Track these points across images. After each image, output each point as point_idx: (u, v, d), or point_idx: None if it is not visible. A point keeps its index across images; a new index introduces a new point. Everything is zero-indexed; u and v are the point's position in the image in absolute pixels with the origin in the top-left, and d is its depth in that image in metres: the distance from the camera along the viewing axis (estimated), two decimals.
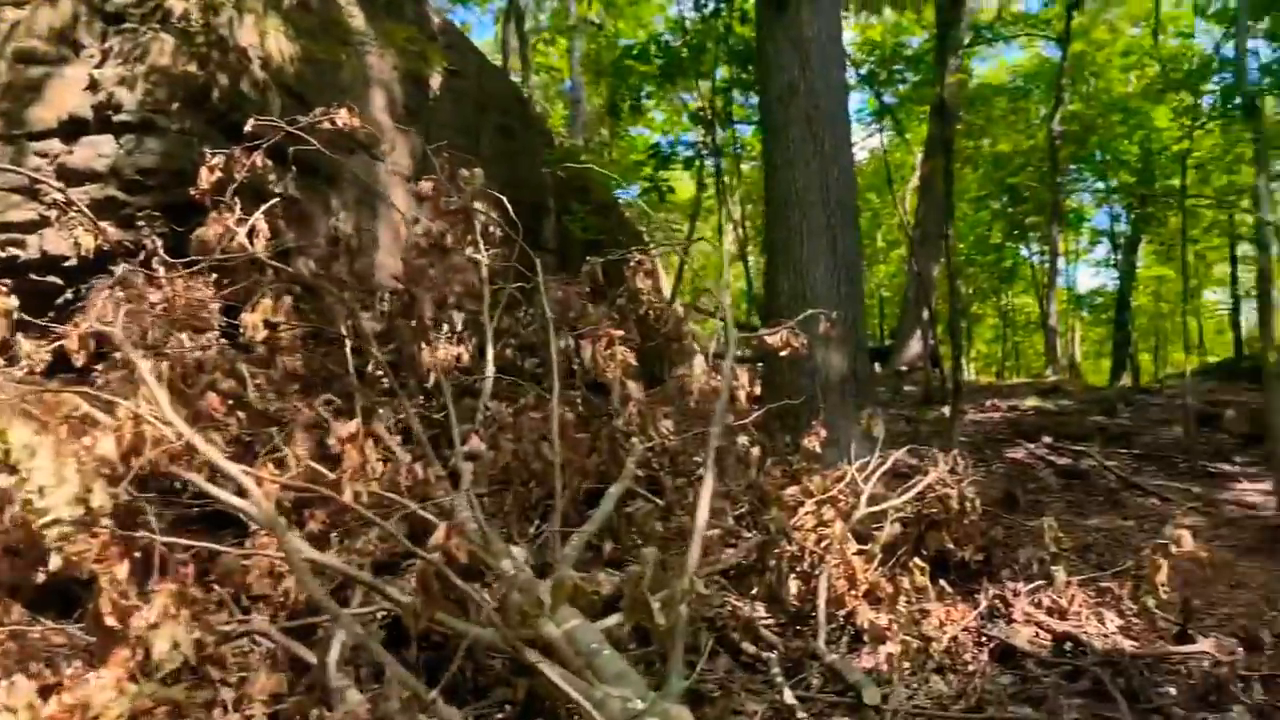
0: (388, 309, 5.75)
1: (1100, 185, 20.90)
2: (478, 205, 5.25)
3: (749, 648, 4.00)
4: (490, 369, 4.89)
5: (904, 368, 15.52)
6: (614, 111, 11.64)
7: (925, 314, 13.59)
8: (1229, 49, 14.88)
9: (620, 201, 12.08)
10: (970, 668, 4.03)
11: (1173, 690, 3.83)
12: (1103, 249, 24.16)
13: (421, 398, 5.32)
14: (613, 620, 3.01)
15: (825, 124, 6.71)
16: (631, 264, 4.91)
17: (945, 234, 9.98)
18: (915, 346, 15.48)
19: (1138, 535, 6.77)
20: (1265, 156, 7.00)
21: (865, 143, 23.30)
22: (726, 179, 14.64)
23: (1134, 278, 22.26)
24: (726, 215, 13.22)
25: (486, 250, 5.30)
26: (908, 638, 4.03)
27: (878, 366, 16.84)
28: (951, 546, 4.90)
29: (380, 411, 4.62)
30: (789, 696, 3.50)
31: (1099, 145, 17.89)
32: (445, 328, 5.68)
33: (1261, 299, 7.66)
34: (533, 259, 5.05)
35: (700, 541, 3.14)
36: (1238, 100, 13.14)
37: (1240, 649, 3.91)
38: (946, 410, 10.70)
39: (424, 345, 4.72)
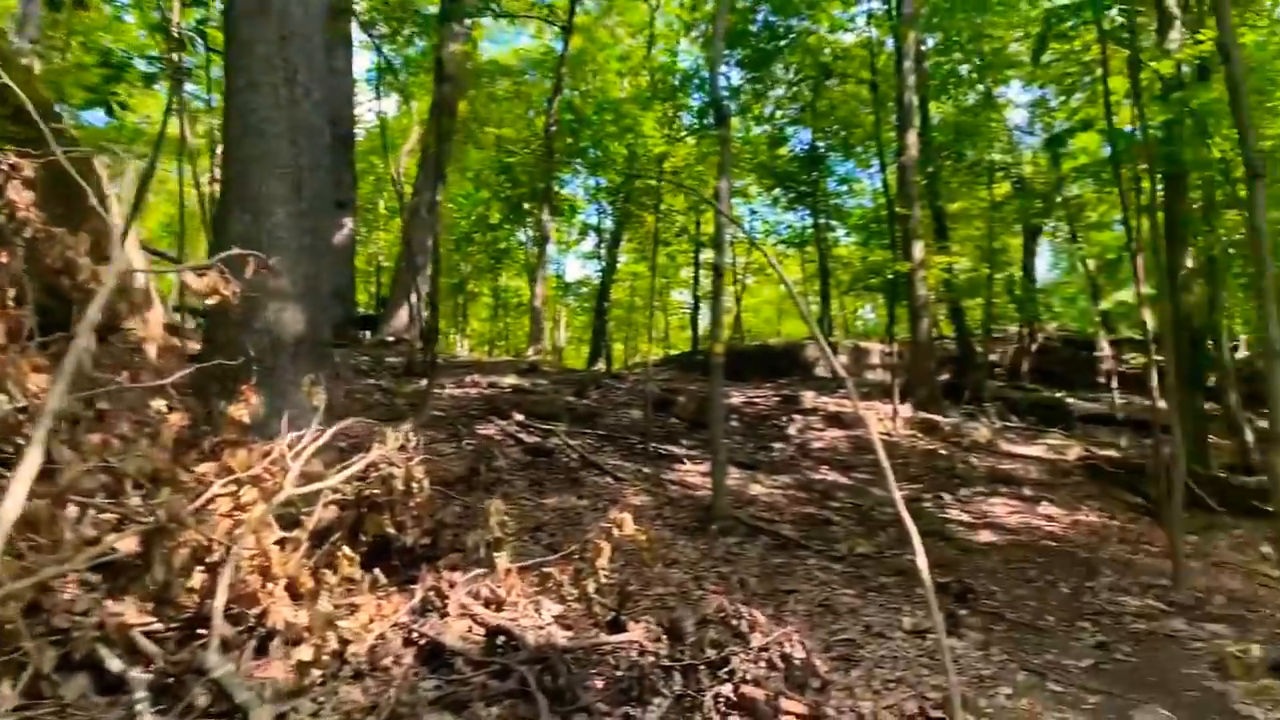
0: None
1: (592, 182, 22.15)
2: None
3: (116, 664, 3.15)
4: None
5: (391, 337, 15.01)
6: (53, 4, 9.61)
7: (417, 284, 13.17)
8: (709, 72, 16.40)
9: (62, 115, 10.07)
10: (394, 671, 3.57)
11: (600, 683, 3.68)
12: (591, 242, 25.66)
13: None
14: None
15: (298, 49, 5.87)
16: (3, 168, 3.75)
17: (434, 200, 9.56)
18: (404, 317, 15.05)
19: (590, 515, 6.88)
20: (728, 161, 7.48)
21: (373, 105, 22.54)
22: (200, 109, 13.01)
23: (614, 271, 23.89)
24: (190, 149, 11.58)
25: None
26: (322, 640, 3.47)
27: (368, 334, 16.20)
28: (394, 531, 4.43)
29: None
30: None
31: (592, 141, 18.79)
32: None
33: (714, 297, 8.23)
34: None
35: (3, 534, 2.28)
36: (711, 118, 14.45)
37: (664, 637, 3.87)
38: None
39: None
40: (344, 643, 3.55)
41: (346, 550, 3.89)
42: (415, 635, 3.81)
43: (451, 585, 4.02)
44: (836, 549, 7.33)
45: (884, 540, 7.67)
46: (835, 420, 13.17)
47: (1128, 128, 9.61)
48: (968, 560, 7.56)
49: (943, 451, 12.27)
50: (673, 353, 25.65)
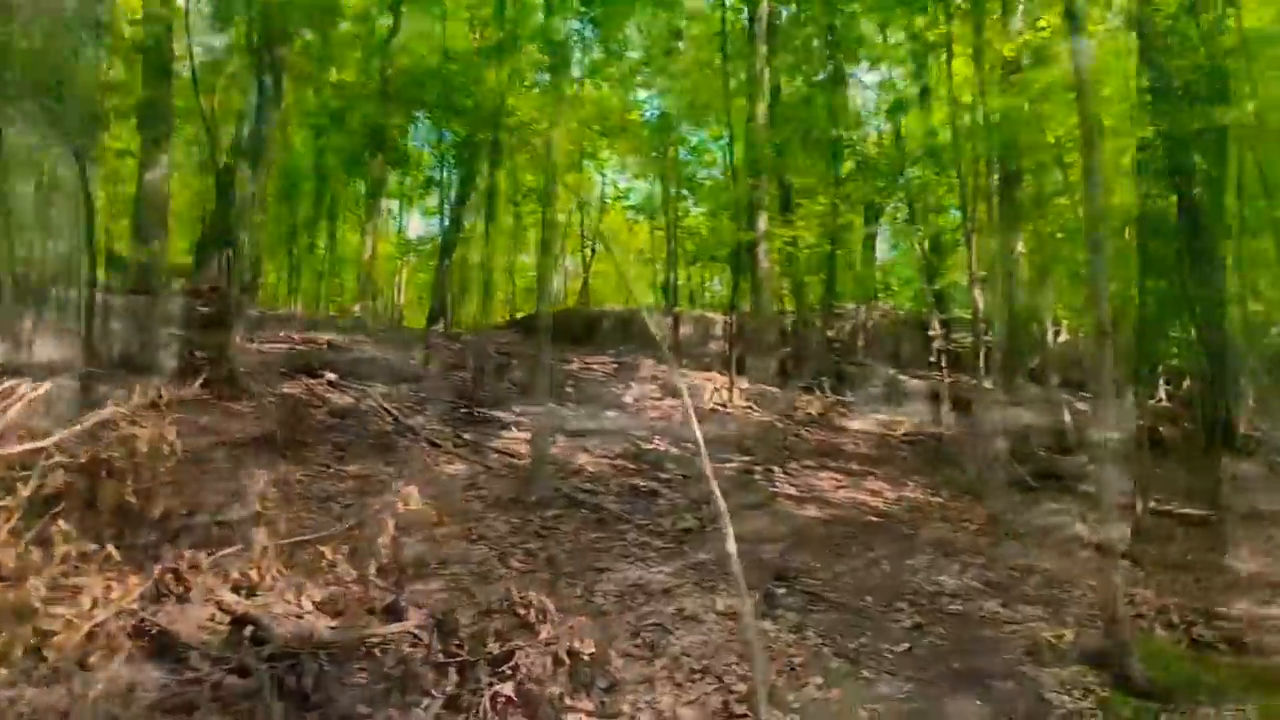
0: None
1: (437, 136, 21.14)
2: None
3: None
4: None
5: (204, 287, 13.89)
6: None
7: (230, 230, 12.18)
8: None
9: None
10: (106, 669, 3.01)
11: (363, 680, 3.22)
12: (436, 198, 24.54)
13: None
14: None
15: None
16: None
17: (244, 139, 8.69)
18: (218, 265, 13.97)
19: (396, 485, 6.34)
20: (558, 111, 7.04)
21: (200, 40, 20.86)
22: None
23: (459, 229, 22.96)
24: None
25: None
26: (13, 631, 2.88)
27: (182, 282, 14.95)
28: (136, 501, 3.81)
29: None
30: None
31: (438, 93, 17.84)
32: None
33: (543, 251, 7.79)
34: None
35: None
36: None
37: (438, 630, 3.42)
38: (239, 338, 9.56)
39: None
40: (45, 634, 2.97)
41: (62, 525, 3.28)
42: (147, 624, 3.26)
43: (195, 566, 3.46)
44: (659, 523, 7.04)
45: (708, 514, 7.41)
46: (672, 389, 12.94)
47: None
48: (793, 535, 7.39)
49: (778, 424, 12.22)
50: (519, 316, 24.99)
